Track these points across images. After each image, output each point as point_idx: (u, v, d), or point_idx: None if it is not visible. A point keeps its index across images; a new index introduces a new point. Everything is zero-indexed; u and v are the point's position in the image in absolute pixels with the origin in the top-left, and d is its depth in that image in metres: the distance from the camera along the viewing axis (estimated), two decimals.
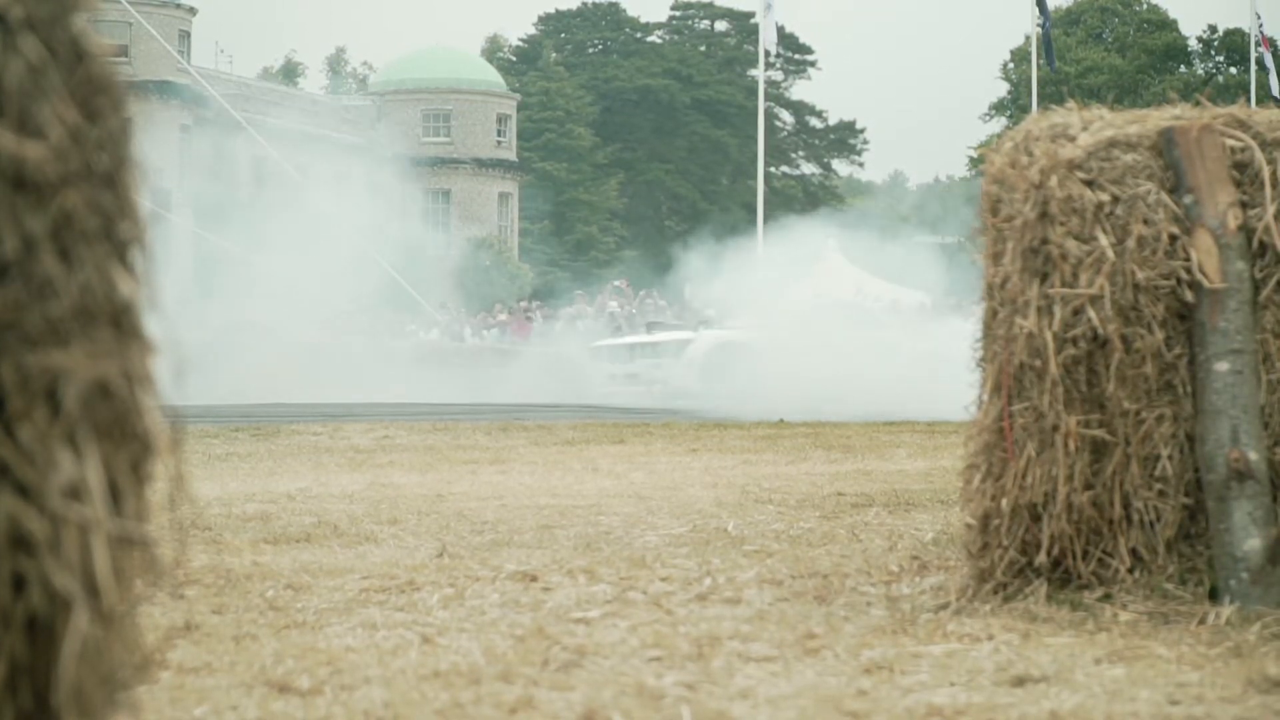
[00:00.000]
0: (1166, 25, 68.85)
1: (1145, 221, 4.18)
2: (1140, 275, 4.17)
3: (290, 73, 79.58)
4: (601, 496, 7.41)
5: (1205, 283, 4.15)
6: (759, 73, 36.86)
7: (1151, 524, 4.20)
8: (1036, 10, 36.40)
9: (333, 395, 21.01)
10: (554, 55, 70.85)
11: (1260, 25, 44.05)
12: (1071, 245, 4.16)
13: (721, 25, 75.32)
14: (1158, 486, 4.20)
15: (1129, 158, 4.24)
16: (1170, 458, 4.20)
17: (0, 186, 1.77)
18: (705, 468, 9.25)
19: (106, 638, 1.83)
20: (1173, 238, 4.19)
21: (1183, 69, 66.47)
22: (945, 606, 4.17)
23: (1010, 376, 4.22)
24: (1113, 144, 4.24)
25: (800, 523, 6.23)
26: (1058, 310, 4.15)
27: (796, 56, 73.46)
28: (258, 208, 27.15)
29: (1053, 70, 37.39)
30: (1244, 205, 4.22)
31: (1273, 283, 4.21)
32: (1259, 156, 4.24)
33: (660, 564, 5.08)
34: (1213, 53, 72.02)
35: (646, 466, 9.35)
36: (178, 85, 54.50)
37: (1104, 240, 4.15)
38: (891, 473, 8.78)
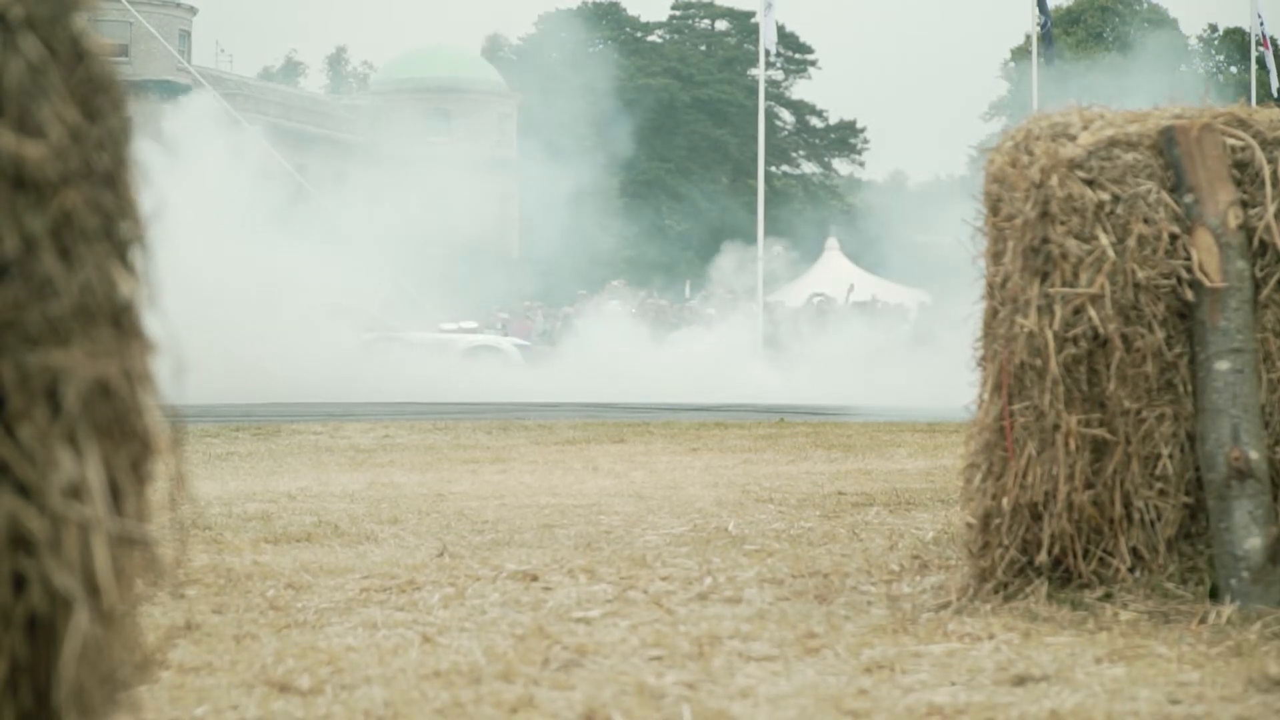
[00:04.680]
0: (1167, 24, 68.86)
1: (1146, 220, 4.18)
2: (1141, 274, 4.16)
3: (290, 72, 79.57)
4: (602, 496, 7.40)
5: (1206, 282, 4.15)
6: (759, 72, 36.81)
7: (1152, 523, 4.20)
8: (1036, 10, 36.36)
9: (332, 394, 21.02)
10: (554, 54, 70.81)
11: (1261, 24, 44.04)
12: (1072, 244, 4.16)
13: (722, 24, 75.29)
14: (1158, 485, 4.20)
15: (1129, 157, 4.24)
16: (1171, 457, 4.20)
17: (0, 186, 1.77)
18: (705, 467, 9.25)
19: (107, 637, 1.83)
20: (1173, 237, 4.19)
21: (1183, 68, 66.47)
22: (946, 606, 4.17)
23: (1010, 376, 4.22)
24: (1113, 143, 4.24)
25: (801, 522, 6.23)
26: (1058, 309, 4.15)
27: (797, 56, 73.45)
28: (258, 207, 27.13)
29: (1051, 65, 37.30)
30: (1244, 204, 4.22)
31: (1273, 281, 4.21)
32: (1259, 155, 4.24)
33: (661, 563, 5.08)
34: (1213, 52, 72.06)
35: (647, 466, 9.35)
36: (178, 85, 54.53)
37: (1104, 239, 4.15)
38: (892, 472, 8.78)
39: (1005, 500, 4.22)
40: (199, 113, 28.84)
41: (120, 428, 1.86)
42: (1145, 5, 70.54)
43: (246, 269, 23.83)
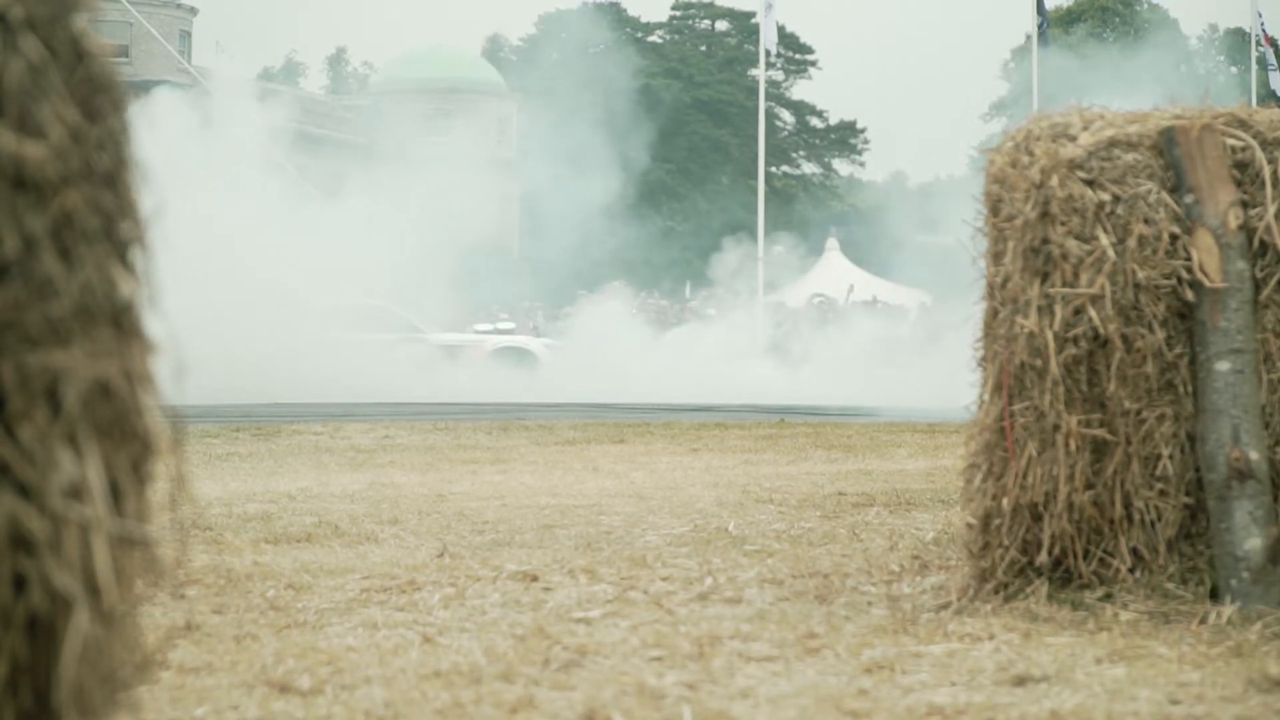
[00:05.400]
0: (1167, 24, 68.88)
1: (1146, 221, 4.18)
2: (1141, 275, 4.16)
3: (291, 72, 79.60)
4: (602, 496, 7.40)
5: (1206, 282, 4.15)
6: (759, 72, 36.87)
7: (1152, 523, 4.19)
8: (1036, 10, 36.41)
9: (334, 395, 21.02)
10: (554, 54, 70.81)
11: (1261, 24, 44.10)
12: (1072, 245, 4.16)
13: (722, 25, 75.27)
14: (1159, 486, 4.20)
15: (1130, 157, 4.24)
16: (1171, 457, 4.20)
17: (0, 186, 1.77)
18: (706, 467, 9.25)
19: (107, 637, 1.83)
20: (1173, 237, 4.19)
21: (1183, 68, 66.50)
22: (946, 606, 4.17)
23: (1011, 376, 4.22)
24: (1113, 143, 4.24)
25: (801, 522, 6.23)
26: (1058, 310, 4.15)
27: (797, 56, 73.41)
28: (259, 207, 27.15)
29: (1045, 49, 37.23)
30: (1245, 204, 4.22)
31: (1273, 282, 4.21)
32: (1259, 156, 4.24)
33: (661, 564, 5.08)
34: (1213, 52, 72.13)
35: (647, 466, 9.35)
36: (178, 85, 54.48)
37: (1105, 240, 4.15)
38: (892, 472, 8.78)
39: (1005, 501, 4.22)
40: (202, 112, 28.84)
41: (120, 428, 1.86)
42: (1145, 5, 70.59)
43: (247, 269, 23.81)
